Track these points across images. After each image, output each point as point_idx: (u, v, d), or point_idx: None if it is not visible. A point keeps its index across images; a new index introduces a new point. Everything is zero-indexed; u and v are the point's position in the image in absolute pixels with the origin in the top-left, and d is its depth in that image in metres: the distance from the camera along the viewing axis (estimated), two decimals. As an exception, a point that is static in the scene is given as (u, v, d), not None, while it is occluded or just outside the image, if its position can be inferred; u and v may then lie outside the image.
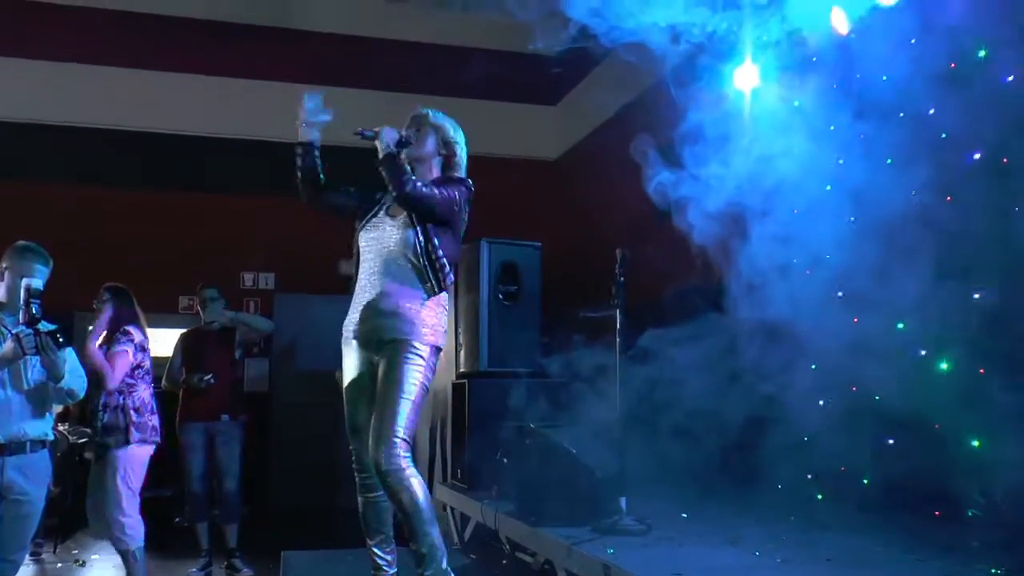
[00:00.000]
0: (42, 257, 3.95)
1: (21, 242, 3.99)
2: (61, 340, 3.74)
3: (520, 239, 6.59)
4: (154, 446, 5.12)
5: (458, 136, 3.90)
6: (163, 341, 7.42)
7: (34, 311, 3.74)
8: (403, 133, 3.76)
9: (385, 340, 3.56)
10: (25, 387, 3.86)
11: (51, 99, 8.49)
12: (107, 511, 4.86)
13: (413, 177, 3.61)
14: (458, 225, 3.73)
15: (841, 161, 4.98)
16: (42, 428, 3.95)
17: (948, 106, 4.23)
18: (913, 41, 4.47)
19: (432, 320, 3.58)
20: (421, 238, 3.61)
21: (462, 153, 3.90)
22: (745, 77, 5.66)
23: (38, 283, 3.82)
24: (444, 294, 3.67)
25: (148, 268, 8.33)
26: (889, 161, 4.58)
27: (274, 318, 8.89)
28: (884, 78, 4.69)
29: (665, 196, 5.13)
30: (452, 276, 3.69)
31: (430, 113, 3.87)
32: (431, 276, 3.59)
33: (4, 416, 3.80)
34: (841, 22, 4.87)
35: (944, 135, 4.27)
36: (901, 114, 4.52)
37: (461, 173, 3.87)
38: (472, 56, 8.76)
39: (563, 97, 9.58)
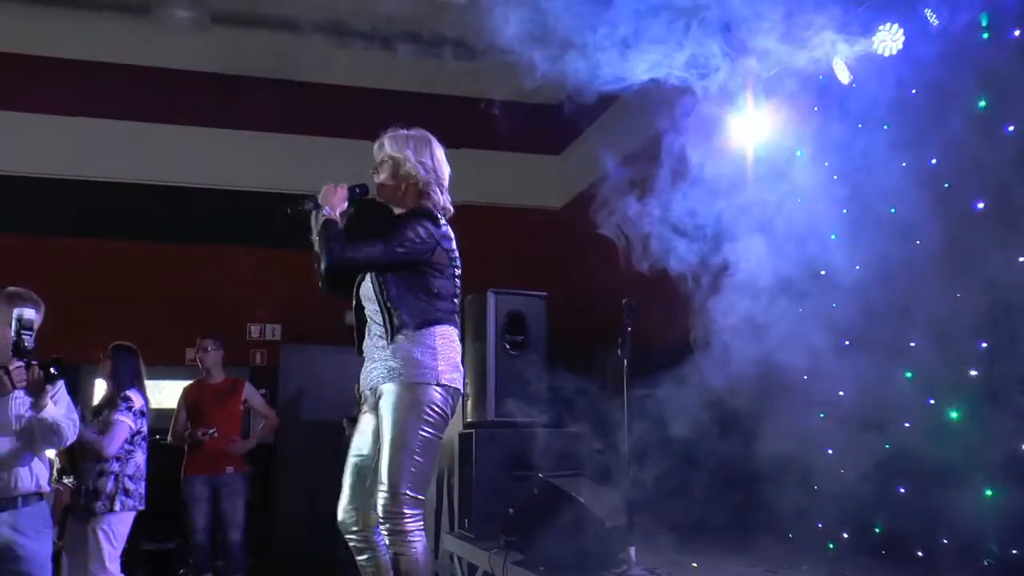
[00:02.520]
0: (31, 301, 3.75)
1: (9, 288, 3.80)
2: (55, 372, 3.54)
3: (526, 288, 6.60)
4: (136, 512, 5.04)
5: (406, 152, 3.49)
6: (169, 393, 7.43)
7: (26, 343, 3.53)
8: (354, 187, 3.47)
9: (377, 390, 3.34)
10: (13, 435, 3.61)
11: (57, 153, 8.55)
12: (90, 568, 4.77)
13: (336, 248, 3.28)
14: (427, 261, 3.35)
15: (845, 211, 5.01)
16: (35, 480, 3.70)
17: (950, 156, 4.27)
18: (914, 91, 4.53)
19: (422, 357, 3.25)
20: (376, 284, 3.37)
21: (425, 170, 3.49)
22: (746, 127, 5.71)
23: (30, 312, 3.60)
24: (441, 326, 3.32)
25: (154, 320, 8.36)
26: (892, 211, 4.60)
27: (280, 369, 8.95)
28: (885, 127, 4.74)
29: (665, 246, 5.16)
30: (426, 315, 3.31)
31: (375, 147, 3.56)
32: (387, 321, 3.31)
33: None
34: (843, 72, 4.93)
35: (947, 185, 4.30)
36: (904, 164, 4.55)
37: (430, 192, 3.48)
38: (475, 106, 8.86)
39: (567, 147, 9.66)
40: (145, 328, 8.00)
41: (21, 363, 3.50)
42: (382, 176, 3.52)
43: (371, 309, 3.44)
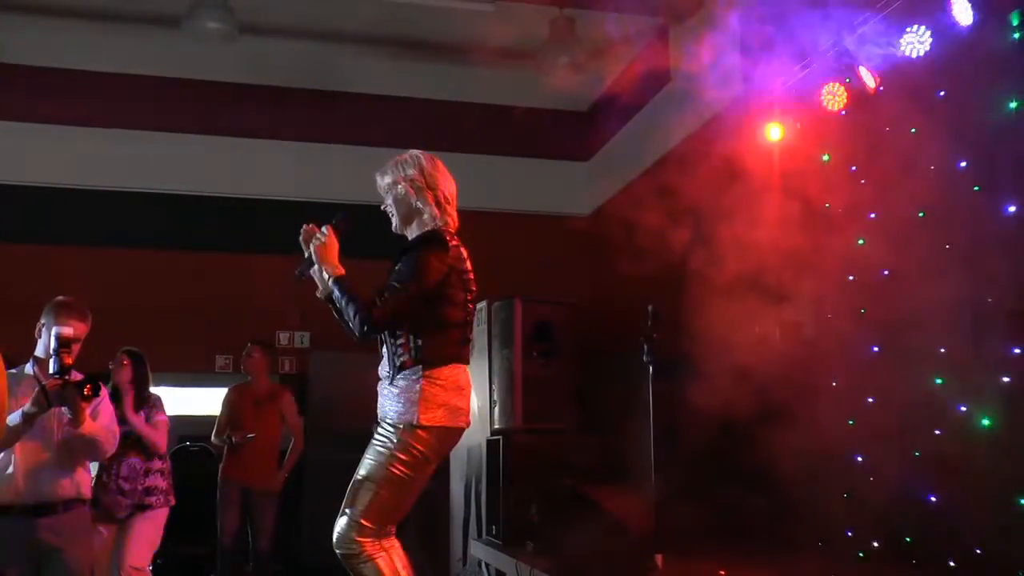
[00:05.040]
0: (78, 312, 3.84)
1: (59, 297, 3.90)
2: (89, 391, 3.58)
3: (554, 295, 6.61)
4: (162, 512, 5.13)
5: (395, 176, 3.46)
6: (199, 401, 7.50)
7: (63, 362, 3.58)
8: (336, 224, 3.41)
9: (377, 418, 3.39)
10: (54, 443, 3.70)
11: (87, 164, 8.61)
12: (128, 562, 4.83)
13: (362, 313, 3.24)
14: (438, 289, 3.31)
15: (873, 215, 4.97)
16: (75, 486, 3.79)
17: (980, 159, 4.22)
18: (942, 94, 4.48)
19: (409, 396, 3.23)
20: None
21: (415, 187, 3.43)
22: (773, 132, 5.68)
23: (69, 331, 3.67)
24: (439, 369, 3.27)
25: (185, 328, 8.43)
26: (921, 214, 4.56)
27: (309, 377, 8.98)
28: (913, 131, 4.69)
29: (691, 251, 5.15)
30: (430, 352, 3.28)
31: (379, 179, 3.53)
32: (391, 362, 3.32)
33: (33, 476, 3.64)
34: (868, 77, 4.89)
35: (977, 188, 4.25)
36: (932, 167, 4.50)
37: (421, 205, 3.43)
38: (503, 113, 8.87)
39: (595, 153, 9.65)
40: (175, 337, 8.09)
41: (58, 380, 3.55)
42: (388, 207, 3.52)
43: (381, 340, 3.43)
